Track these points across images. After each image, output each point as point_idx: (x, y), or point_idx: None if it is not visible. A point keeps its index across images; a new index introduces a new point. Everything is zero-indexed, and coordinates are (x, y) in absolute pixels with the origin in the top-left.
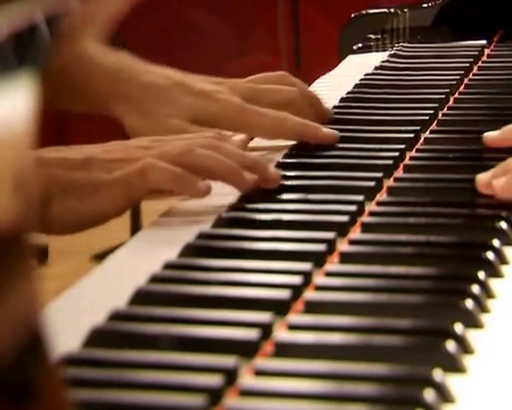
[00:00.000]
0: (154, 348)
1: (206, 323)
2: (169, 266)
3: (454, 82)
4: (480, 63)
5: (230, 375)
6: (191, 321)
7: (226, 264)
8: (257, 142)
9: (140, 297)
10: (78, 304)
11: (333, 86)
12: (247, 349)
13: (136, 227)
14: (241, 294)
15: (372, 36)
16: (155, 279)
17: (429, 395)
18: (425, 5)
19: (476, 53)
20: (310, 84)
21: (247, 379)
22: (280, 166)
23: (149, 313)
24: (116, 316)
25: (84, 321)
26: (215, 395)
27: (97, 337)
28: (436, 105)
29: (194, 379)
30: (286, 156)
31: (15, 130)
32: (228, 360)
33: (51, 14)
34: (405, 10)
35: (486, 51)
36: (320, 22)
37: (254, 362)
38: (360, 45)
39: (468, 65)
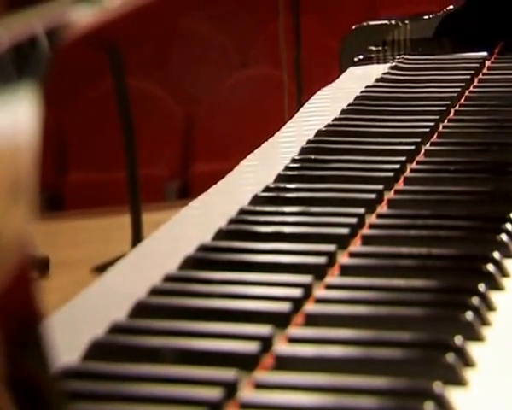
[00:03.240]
0: (153, 361)
1: (205, 336)
2: (169, 278)
3: (455, 94)
4: (480, 75)
5: (230, 388)
6: (191, 334)
7: (226, 276)
8: (256, 154)
9: (140, 310)
10: (77, 317)
11: (334, 98)
12: (246, 362)
13: (137, 239)
14: (240, 307)
15: (373, 48)
16: (155, 292)
17: (429, 407)
18: (426, 17)
19: (477, 65)
20: (311, 97)
21: (247, 392)
22: (281, 178)
23: (149, 325)
24: (116, 329)
25: (83, 334)
26: (215, 409)
27: (97, 350)
28: (437, 117)
29: (194, 392)
30: (287, 168)
31: (16, 142)
32: (228, 374)
33: (51, 27)
34: (406, 22)
35: (487, 63)
36: (321, 34)
37: (254, 375)
38: (361, 57)
39: (468, 77)
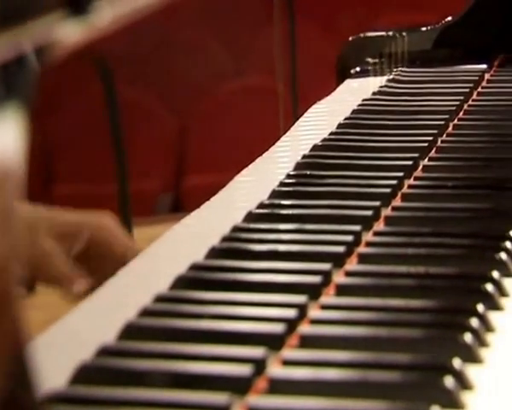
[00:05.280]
0: (143, 385)
1: (197, 358)
2: (160, 298)
3: (453, 108)
4: (479, 88)
5: None
6: (182, 356)
7: (219, 297)
8: (250, 170)
9: (130, 331)
10: (65, 339)
11: (330, 112)
12: (239, 386)
13: None
14: (233, 328)
15: (370, 60)
16: (146, 313)
17: None
18: (423, 29)
19: (476, 78)
20: (307, 109)
21: None
22: (276, 194)
23: (139, 348)
24: (105, 351)
25: (71, 357)
26: None
27: (85, 374)
28: (435, 132)
29: None
30: (282, 185)
31: (2, 162)
32: (220, 397)
33: (40, 45)
34: (404, 34)
35: (486, 76)
36: (318, 44)
37: (247, 399)
38: (358, 69)
39: (467, 90)
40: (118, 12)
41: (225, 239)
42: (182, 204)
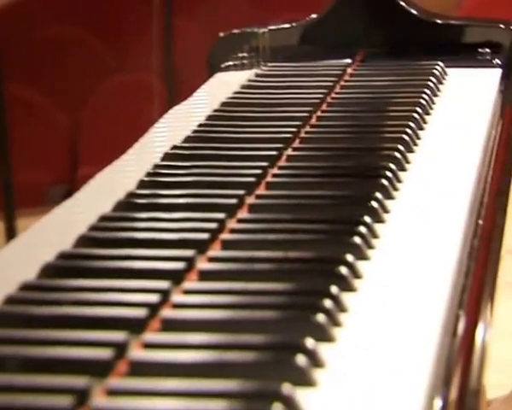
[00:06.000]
0: (2, 371)
1: (58, 343)
2: (26, 287)
3: (317, 100)
4: (342, 82)
5: (82, 395)
6: (44, 342)
7: (84, 284)
8: (124, 160)
9: None
10: None
11: (200, 104)
12: (99, 369)
13: None
14: (96, 313)
15: (239, 55)
16: (10, 301)
17: (278, 408)
18: (289, 25)
19: (339, 72)
20: (180, 102)
21: (99, 399)
22: (143, 184)
23: (1, 334)
24: None
25: None
26: None
27: None
28: (299, 123)
29: (44, 401)
30: (149, 174)
31: None
32: (79, 381)
33: None
34: (271, 30)
35: (349, 70)
36: (196, 41)
37: (108, 382)
38: (228, 64)
39: (331, 84)
40: None
41: (93, 228)
42: None
